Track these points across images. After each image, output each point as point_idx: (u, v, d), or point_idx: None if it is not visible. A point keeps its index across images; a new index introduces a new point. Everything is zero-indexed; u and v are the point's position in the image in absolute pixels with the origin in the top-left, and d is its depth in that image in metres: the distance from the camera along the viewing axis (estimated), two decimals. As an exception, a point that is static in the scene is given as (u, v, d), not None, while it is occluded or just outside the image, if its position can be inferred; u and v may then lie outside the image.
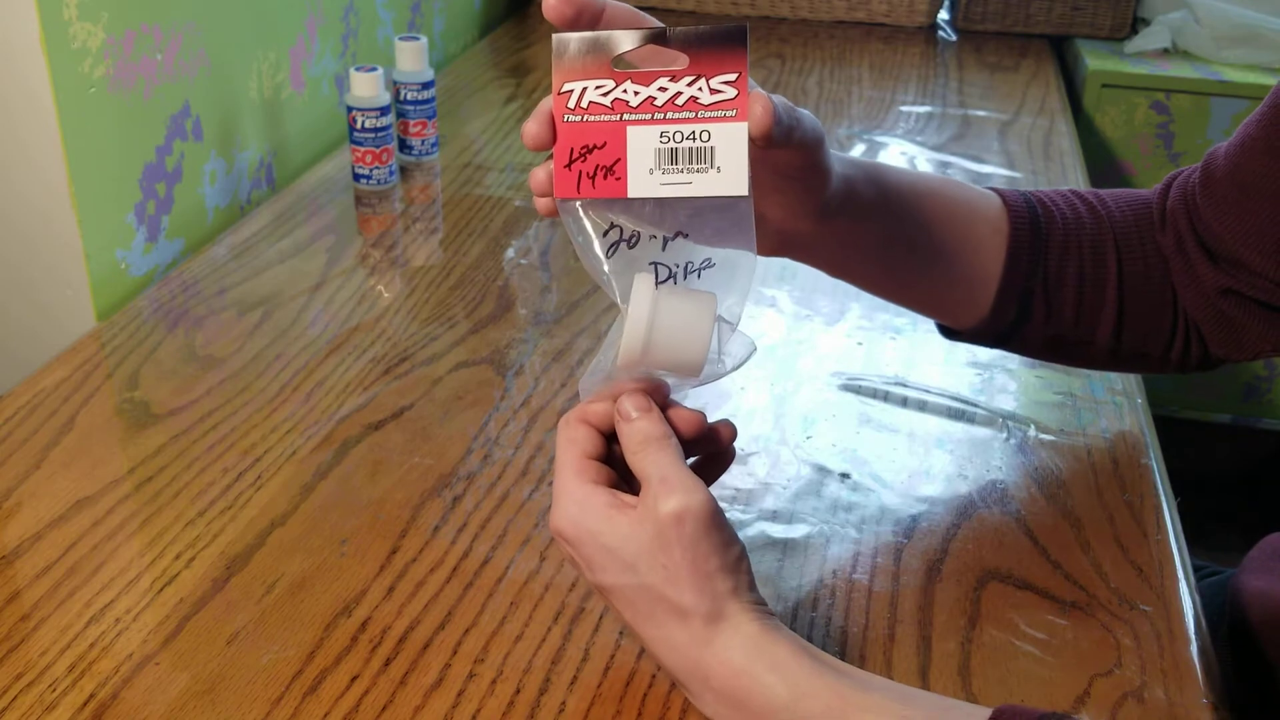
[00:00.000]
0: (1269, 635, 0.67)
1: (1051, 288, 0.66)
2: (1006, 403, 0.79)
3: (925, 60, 1.62)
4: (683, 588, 0.48)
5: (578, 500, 0.50)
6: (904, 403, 0.79)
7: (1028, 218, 0.65)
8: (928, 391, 0.80)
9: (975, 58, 1.63)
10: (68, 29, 0.83)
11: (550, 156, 0.49)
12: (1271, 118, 0.61)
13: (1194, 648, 0.58)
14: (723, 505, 0.50)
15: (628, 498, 0.50)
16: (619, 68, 0.48)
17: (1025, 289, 0.65)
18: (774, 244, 0.59)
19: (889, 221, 0.62)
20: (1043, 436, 0.75)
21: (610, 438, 0.52)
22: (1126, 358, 0.69)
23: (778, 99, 0.49)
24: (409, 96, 1.12)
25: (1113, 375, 0.82)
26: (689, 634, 0.48)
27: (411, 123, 1.13)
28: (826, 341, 0.87)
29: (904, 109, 1.41)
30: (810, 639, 0.55)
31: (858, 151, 1.27)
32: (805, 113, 0.52)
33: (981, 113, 1.40)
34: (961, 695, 0.55)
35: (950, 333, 0.70)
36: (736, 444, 0.55)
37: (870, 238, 0.62)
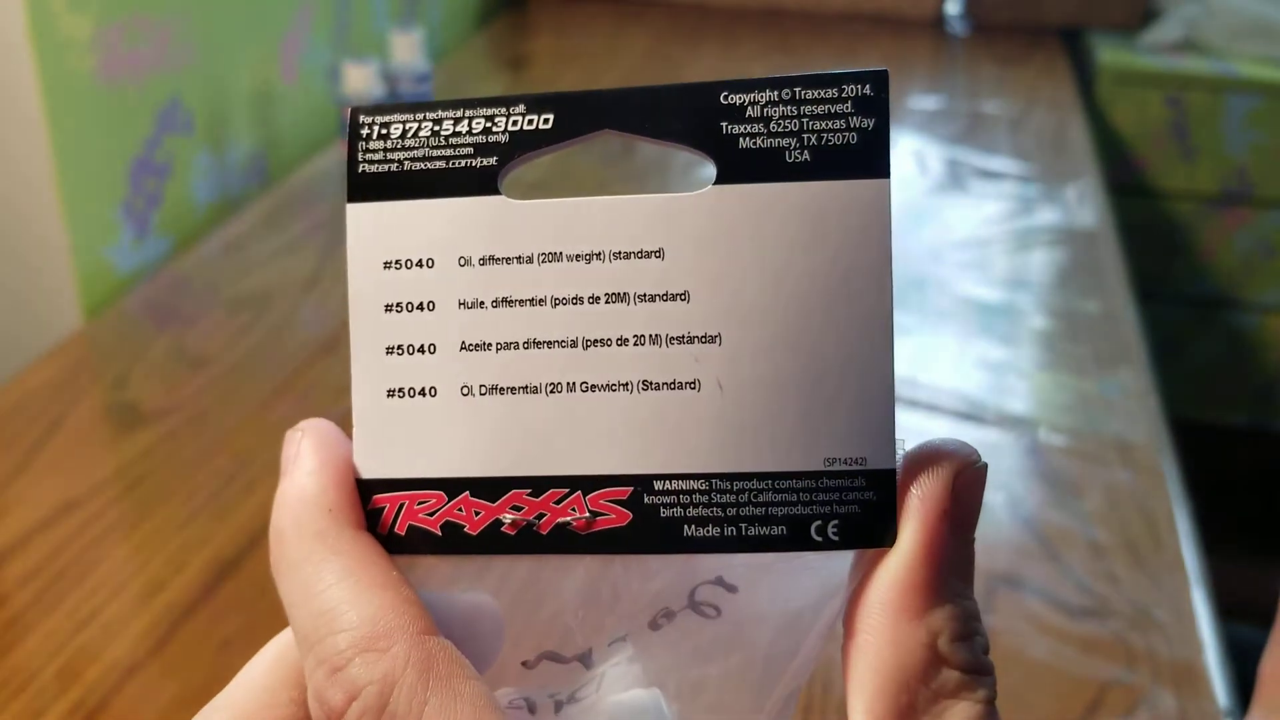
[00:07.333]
0: None
1: None
2: (1018, 405, 0.78)
3: (934, 54, 1.61)
4: None
5: None
6: (914, 404, 0.78)
7: None
8: (938, 393, 0.79)
9: (985, 51, 1.62)
10: (55, 21, 0.82)
11: None
12: None
13: (1207, 655, 0.58)
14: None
15: None
16: None
17: None
18: None
19: None
20: (1054, 439, 0.74)
21: None
22: None
23: None
24: (405, 89, 1.11)
25: (1127, 376, 0.81)
26: None
27: (409, 116, 1.12)
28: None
29: (913, 104, 1.40)
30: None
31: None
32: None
33: (992, 107, 1.39)
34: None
35: None
36: None
37: None
